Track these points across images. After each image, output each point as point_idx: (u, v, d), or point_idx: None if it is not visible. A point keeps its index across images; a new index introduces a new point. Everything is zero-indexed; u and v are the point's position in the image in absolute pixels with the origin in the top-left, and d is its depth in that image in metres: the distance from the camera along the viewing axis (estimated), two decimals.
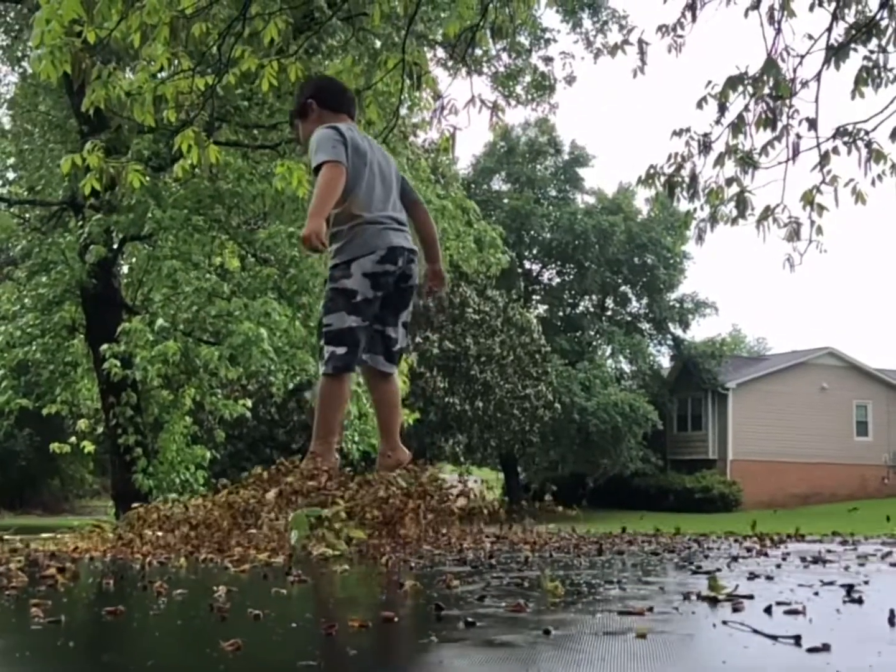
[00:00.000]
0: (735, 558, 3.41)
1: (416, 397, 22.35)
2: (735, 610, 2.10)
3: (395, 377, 4.45)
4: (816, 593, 2.42)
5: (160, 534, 3.89)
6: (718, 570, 2.96)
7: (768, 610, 2.08)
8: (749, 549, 3.79)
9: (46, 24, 5.01)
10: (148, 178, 10.56)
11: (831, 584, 2.58)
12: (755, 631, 1.84)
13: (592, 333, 36.88)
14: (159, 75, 6.00)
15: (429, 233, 4.56)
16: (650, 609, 2.12)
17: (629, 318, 37.91)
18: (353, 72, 6.36)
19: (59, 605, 2.25)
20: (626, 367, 36.48)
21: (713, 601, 2.22)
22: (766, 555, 3.59)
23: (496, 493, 32.42)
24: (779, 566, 3.14)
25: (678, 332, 37.24)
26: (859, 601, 2.28)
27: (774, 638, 1.78)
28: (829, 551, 3.70)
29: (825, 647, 1.68)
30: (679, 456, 35.50)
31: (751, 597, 2.26)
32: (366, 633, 1.93)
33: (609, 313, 38.33)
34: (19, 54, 14.46)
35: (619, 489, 32.46)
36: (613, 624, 2.00)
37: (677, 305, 37.21)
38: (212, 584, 2.49)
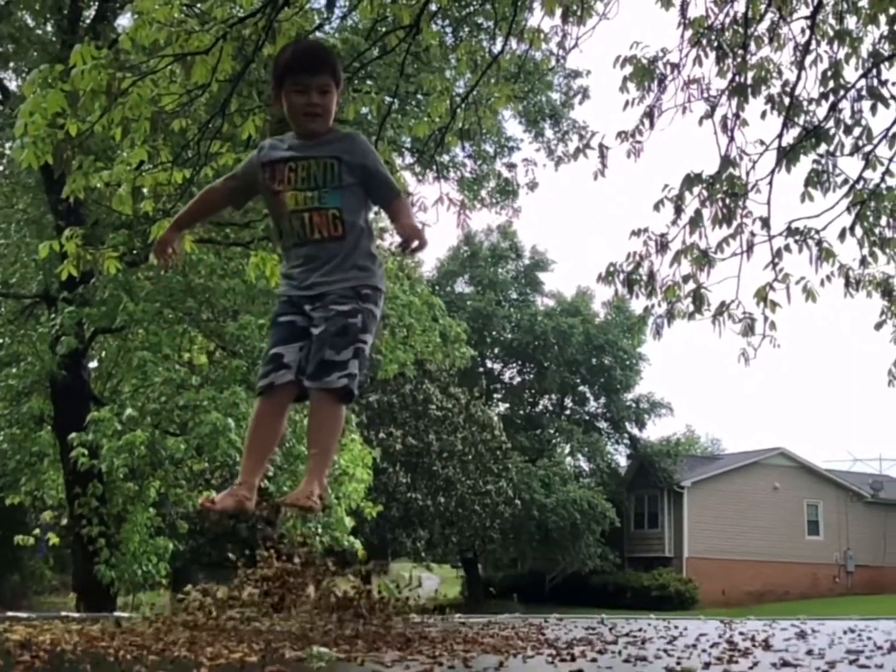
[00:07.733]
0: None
1: (378, 492, 22.44)
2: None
3: None
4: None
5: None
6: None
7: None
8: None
9: (30, 115, 5.22)
10: (121, 272, 10.84)
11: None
12: None
13: (552, 431, 37.23)
14: (138, 169, 6.08)
15: None
16: None
17: (587, 417, 38.34)
18: None
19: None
20: (585, 465, 36.78)
21: None
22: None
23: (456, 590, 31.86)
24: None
25: (634, 431, 37.73)
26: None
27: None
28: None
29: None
30: (636, 553, 35.56)
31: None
32: None
33: (568, 412, 38.75)
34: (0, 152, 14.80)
35: (579, 587, 32.32)
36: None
37: (633, 405, 37.71)
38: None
